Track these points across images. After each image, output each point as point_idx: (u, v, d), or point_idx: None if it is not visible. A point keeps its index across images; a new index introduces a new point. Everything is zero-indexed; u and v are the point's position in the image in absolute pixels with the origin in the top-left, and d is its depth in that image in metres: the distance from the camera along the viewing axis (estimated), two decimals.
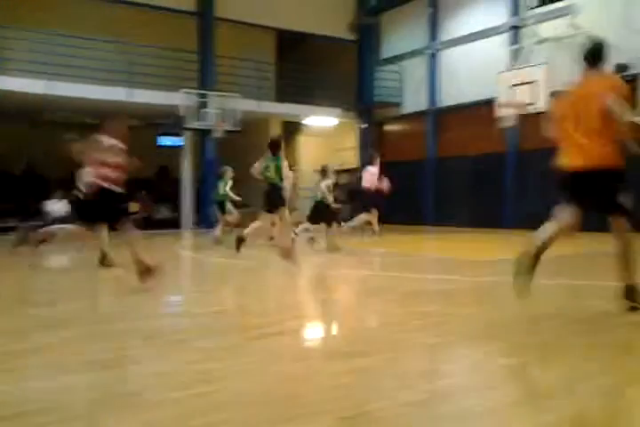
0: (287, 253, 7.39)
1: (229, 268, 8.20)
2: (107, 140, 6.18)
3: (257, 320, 4.36)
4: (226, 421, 2.30)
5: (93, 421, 2.32)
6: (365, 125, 19.81)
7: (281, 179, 8.06)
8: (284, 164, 8.12)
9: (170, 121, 17.47)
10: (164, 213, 18.81)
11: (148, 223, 17.60)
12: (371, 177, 12.38)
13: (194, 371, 2.99)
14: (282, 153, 8.24)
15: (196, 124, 16.41)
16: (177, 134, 18.74)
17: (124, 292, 5.84)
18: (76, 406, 2.49)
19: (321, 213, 9.72)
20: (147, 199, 18.04)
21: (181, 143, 18.12)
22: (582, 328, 3.99)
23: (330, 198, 9.82)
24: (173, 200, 18.38)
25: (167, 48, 15.73)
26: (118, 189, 5.98)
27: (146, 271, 5.69)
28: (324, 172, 10.10)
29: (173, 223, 17.84)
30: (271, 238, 9.92)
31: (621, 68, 12.66)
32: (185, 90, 16.04)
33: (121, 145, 6.23)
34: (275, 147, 8.14)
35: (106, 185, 5.86)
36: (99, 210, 5.98)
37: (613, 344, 3.52)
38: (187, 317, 4.75)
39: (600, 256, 8.68)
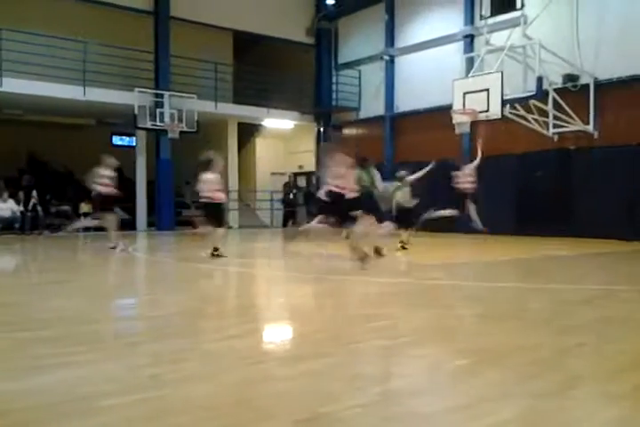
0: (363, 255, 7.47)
1: (186, 270, 8.10)
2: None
3: (211, 324, 4.33)
4: (176, 426, 2.28)
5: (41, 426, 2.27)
6: (325, 129, 19.88)
7: (374, 187, 9.19)
8: (377, 175, 9.37)
9: (124, 121, 17.17)
10: (117, 213, 18.39)
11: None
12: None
13: (143, 375, 2.95)
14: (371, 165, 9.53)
15: (149, 125, 16.17)
16: (131, 134, 18.46)
17: (78, 294, 5.71)
18: (22, 411, 2.42)
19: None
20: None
21: (135, 143, 17.83)
22: (530, 331, 4.10)
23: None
24: (127, 201, 18.03)
25: (123, 47, 15.48)
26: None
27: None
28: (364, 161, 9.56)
29: (127, 224, 17.50)
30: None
31: (570, 78, 13.10)
32: (140, 89, 15.80)
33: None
34: (363, 161, 9.33)
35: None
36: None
37: (563, 346, 3.63)
38: (139, 320, 4.68)
39: (552, 260, 8.96)
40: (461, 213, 11.33)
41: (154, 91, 16.31)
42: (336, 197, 7.38)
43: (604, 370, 3.12)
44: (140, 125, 16.23)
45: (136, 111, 15.81)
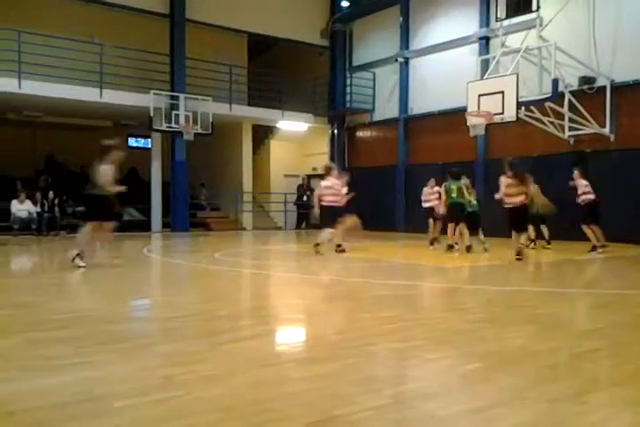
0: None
1: (200, 272, 8.14)
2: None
3: (224, 325, 4.35)
4: None
5: None
6: (340, 132, 19.91)
7: (463, 197, 10.16)
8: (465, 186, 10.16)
9: (139, 122, 17.31)
10: (132, 214, 18.57)
11: (116, 225, 17.39)
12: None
13: (156, 376, 2.96)
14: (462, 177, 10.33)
15: (165, 127, 16.29)
16: (146, 136, 18.60)
17: (93, 295, 5.76)
18: (36, 411, 2.44)
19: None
20: (114, 200, 17.77)
21: (150, 145, 17.96)
22: (544, 335, 4.07)
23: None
24: (142, 202, 18.18)
25: (139, 49, 15.61)
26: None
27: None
28: (454, 174, 10.42)
29: (143, 225, 17.66)
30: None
31: (586, 80, 13.00)
32: (155, 91, 15.92)
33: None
34: (456, 174, 10.36)
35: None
36: None
37: (578, 351, 3.60)
38: (153, 321, 4.71)
39: (568, 264, 8.89)
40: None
41: (169, 93, 16.43)
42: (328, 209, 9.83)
43: (620, 375, 3.10)
44: (155, 127, 16.35)
45: (151, 113, 15.94)
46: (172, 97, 16.40)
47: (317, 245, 9.66)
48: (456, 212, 10.11)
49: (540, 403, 2.60)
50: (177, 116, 16.32)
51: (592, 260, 9.56)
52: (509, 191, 8.85)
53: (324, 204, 9.85)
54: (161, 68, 16.39)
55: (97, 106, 15.72)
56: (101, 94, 15.28)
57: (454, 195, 10.10)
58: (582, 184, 10.37)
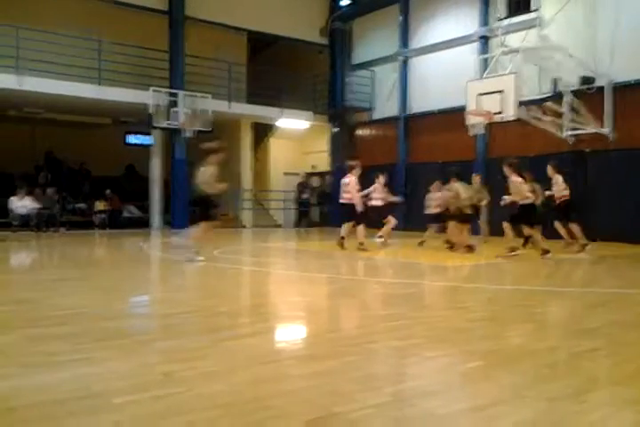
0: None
1: (200, 269, 8.14)
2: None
3: (224, 322, 4.35)
4: (189, 423, 2.29)
5: (52, 423, 2.29)
6: (336, 129, 19.91)
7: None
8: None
9: (138, 120, 17.28)
10: (132, 211, 18.57)
11: (116, 222, 17.40)
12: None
13: (155, 373, 2.97)
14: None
15: (165, 124, 16.26)
16: (146, 133, 18.56)
17: (92, 292, 5.76)
18: (34, 407, 2.44)
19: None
20: (113, 197, 17.81)
21: (150, 142, 17.94)
22: (543, 334, 4.08)
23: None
24: (142, 199, 18.17)
25: (138, 46, 15.58)
26: None
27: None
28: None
29: (142, 222, 17.65)
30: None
31: (586, 80, 13.00)
32: (154, 88, 15.89)
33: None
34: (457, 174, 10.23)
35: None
36: None
37: (577, 349, 3.61)
38: (152, 317, 4.72)
39: (566, 263, 8.90)
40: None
41: (168, 90, 16.40)
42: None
43: (619, 374, 3.10)
44: (155, 125, 16.33)
45: (151, 110, 15.91)
46: (172, 94, 16.37)
47: (361, 244, 10.10)
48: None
49: (540, 401, 2.60)
50: (176, 113, 16.29)
51: (587, 260, 9.57)
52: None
53: (340, 201, 10.47)
54: (160, 65, 16.36)
55: (96, 102, 15.69)
56: (101, 91, 15.24)
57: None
58: (559, 181, 10.15)
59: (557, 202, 10.19)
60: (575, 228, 10.16)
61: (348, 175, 10.46)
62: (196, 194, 8.31)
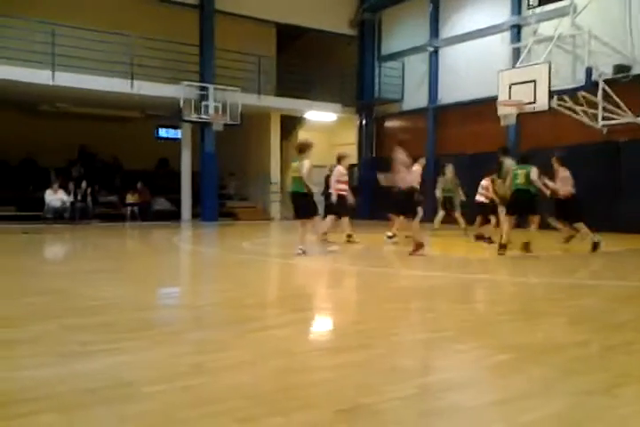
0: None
1: (229, 261, 8.22)
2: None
3: (252, 313, 4.39)
4: (217, 413, 2.32)
5: (84, 411, 2.34)
6: (365, 121, 19.81)
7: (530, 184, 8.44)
8: (533, 171, 8.43)
9: (169, 113, 17.47)
10: (163, 204, 18.83)
11: (147, 214, 17.67)
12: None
13: (184, 363, 3.01)
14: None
15: (195, 117, 16.41)
16: (176, 127, 18.76)
17: (125, 283, 5.86)
18: (68, 395, 2.50)
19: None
20: (144, 190, 18.07)
21: (180, 136, 18.13)
22: (574, 327, 4.02)
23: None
24: (173, 192, 18.41)
25: (169, 41, 15.72)
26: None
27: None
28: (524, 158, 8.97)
29: (173, 215, 17.90)
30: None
31: (621, 69, 12.67)
32: (186, 82, 16.03)
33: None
34: (526, 158, 8.82)
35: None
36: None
37: (609, 343, 3.55)
38: (182, 309, 4.78)
39: (598, 255, 8.73)
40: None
41: (199, 84, 16.53)
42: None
43: None
44: (185, 118, 16.50)
45: (181, 104, 16.07)
46: (202, 88, 16.50)
47: (349, 236, 10.03)
48: (520, 201, 8.50)
49: (571, 395, 2.57)
50: (206, 106, 16.42)
51: (619, 252, 9.37)
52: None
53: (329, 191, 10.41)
54: (191, 59, 16.49)
55: (128, 97, 15.91)
56: (132, 85, 15.45)
57: (519, 181, 8.50)
58: (565, 175, 9.21)
59: (560, 197, 9.18)
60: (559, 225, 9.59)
61: (337, 165, 10.30)
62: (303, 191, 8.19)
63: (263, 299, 5.23)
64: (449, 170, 12.20)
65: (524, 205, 8.46)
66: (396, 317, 4.32)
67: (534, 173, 8.33)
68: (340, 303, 5.09)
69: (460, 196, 12.06)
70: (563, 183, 9.12)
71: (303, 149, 8.29)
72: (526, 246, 8.42)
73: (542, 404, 2.47)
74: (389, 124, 19.80)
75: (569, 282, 6.24)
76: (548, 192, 8.71)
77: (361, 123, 20.09)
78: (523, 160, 8.78)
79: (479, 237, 10.37)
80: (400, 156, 8.44)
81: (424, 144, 17.91)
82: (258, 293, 5.59)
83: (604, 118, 12.83)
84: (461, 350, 3.38)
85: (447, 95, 17.49)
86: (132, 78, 15.45)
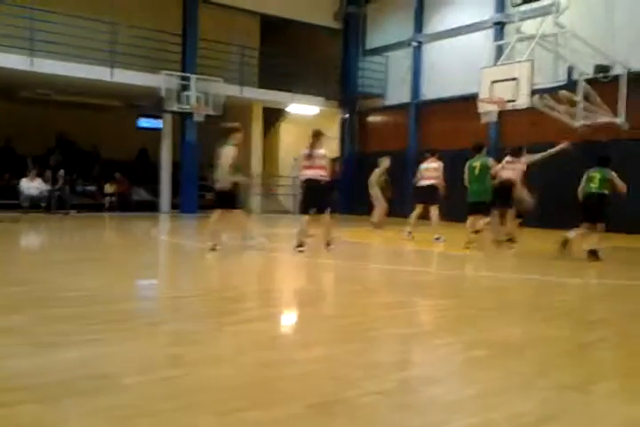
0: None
1: (207, 253, 8.17)
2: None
3: (231, 306, 4.37)
4: (194, 405, 2.31)
5: (60, 402, 2.32)
6: (347, 115, 19.79)
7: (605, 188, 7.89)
8: (612, 175, 7.93)
9: (150, 103, 17.27)
10: (142, 195, 18.65)
11: (126, 205, 17.49)
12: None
13: (162, 355, 2.99)
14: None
15: (176, 107, 16.24)
16: (157, 116, 18.55)
17: (102, 274, 5.80)
18: (45, 386, 2.47)
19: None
20: (123, 180, 17.88)
21: (161, 126, 17.94)
22: (551, 323, 4.07)
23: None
24: (153, 183, 18.23)
25: (151, 29, 15.52)
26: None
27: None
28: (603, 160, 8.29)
29: (152, 206, 17.73)
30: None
31: (601, 69, 12.81)
32: (167, 72, 15.85)
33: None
34: (605, 160, 8.24)
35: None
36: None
37: (585, 340, 3.60)
38: (160, 300, 4.75)
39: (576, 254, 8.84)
40: None
41: (181, 74, 16.35)
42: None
43: (626, 365, 3.09)
44: (166, 108, 16.32)
45: (163, 94, 15.89)
46: (184, 78, 16.33)
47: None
48: (595, 206, 7.86)
49: (546, 391, 2.60)
50: (188, 97, 16.25)
51: (601, 250, 9.51)
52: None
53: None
54: (173, 49, 16.31)
55: (108, 85, 15.68)
56: (113, 73, 15.23)
57: (594, 184, 7.92)
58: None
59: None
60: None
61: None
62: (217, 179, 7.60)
63: (243, 292, 5.22)
64: (382, 164, 12.45)
65: (595, 211, 7.83)
66: (375, 311, 4.33)
67: (614, 176, 7.88)
68: (318, 297, 5.09)
69: (381, 191, 12.34)
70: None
71: (227, 132, 7.67)
72: (592, 254, 7.75)
73: (519, 399, 2.50)
74: (372, 118, 19.81)
75: (547, 279, 6.31)
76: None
77: (344, 117, 20.07)
78: (601, 162, 8.16)
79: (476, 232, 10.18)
80: (320, 150, 7.80)
81: (406, 140, 17.97)
82: (237, 286, 5.57)
83: (584, 118, 12.97)
84: (439, 344, 3.41)
85: (430, 91, 17.54)
86: (113, 66, 15.22)
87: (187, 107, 16.28)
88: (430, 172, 10.35)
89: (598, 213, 7.86)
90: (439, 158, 10.58)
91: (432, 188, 10.24)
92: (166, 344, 3.22)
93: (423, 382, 2.73)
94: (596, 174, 7.96)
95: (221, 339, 3.36)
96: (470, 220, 8.84)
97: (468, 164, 9.16)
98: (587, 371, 2.94)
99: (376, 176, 12.52)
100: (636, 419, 2.34)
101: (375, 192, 12.47)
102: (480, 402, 2.47)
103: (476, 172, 8.90)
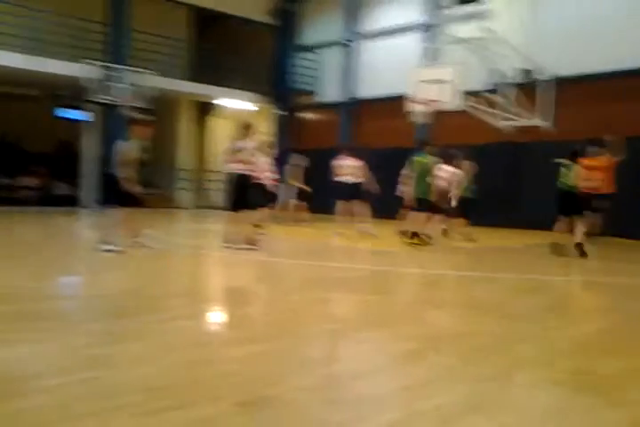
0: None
1: (133, 251, 7.90)
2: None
3: (157, 304, 4.23)
4: (115, 407, 2.21)
5: None
6: (281, 112, 19.71)
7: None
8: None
9: (72, 93, 16.53)
10: (63, 189, 17.85)
11: (45, 199, 16.71)
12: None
13: (83, 355, 2.85)
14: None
15: (99, 98, 15.61)
16: (79, 107, 17.78)
17: (20, 271, 5.49)
18: None
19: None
20: (42, 173, 17.07)
21: (83, 117, 17.22)
22: (474, 317, 4.18)
23: None
24: (74, 176, 17.47)
25: (76, 17, 14.84)
26: None
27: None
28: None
29: (73, 201, 17.00)
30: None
31: (526, 73, 13.32)
32: (89, 61, 15.22)
33: None
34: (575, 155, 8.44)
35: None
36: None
37: (507, 333, 3.71)
38: (82, 299, 4.55)
39: (498, 250, 9.16)
40: None
41: (103, 63, 15.71)
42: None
43: (545, 357, 3.21)
44: (89, 99, 15.67)
45: (84, 84, 15.25)
46: (110, 68, 15.73)
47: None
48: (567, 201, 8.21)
49: (471, 381, 2.66)
50: (113, 88, 15.68)
51: (523, 248, 9.90)
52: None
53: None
54: (100, 38, 15.68)
55: (25, 73, 14.90)
56: (29, 61, 14.44)
57: (562, 179, 8.36)
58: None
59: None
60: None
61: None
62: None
63: (168, 290, 5.07)
64: (292, 161, 12.77)
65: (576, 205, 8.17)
66: (304, 308, 4.31)
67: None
68: (247, 295, 5.03)
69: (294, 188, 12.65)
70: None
71: (127, 125, 7.26)
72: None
73: (444, 390, 2.55)
74: (306, 116, 19.81)
75: (471, 275, 6.50)
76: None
77: (279, 114, 19.96)
78: (572, 157, 8.44)
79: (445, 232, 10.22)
80: (249, 143, 7.63)
81: (338, 137, 18.07)
82: (163, 283, 5.41)
83: (509, 120, 13.44)
84: (366, 339, 3.43)
85: (364, 90, 17.71)
86: (30, 54, 14.44)
87: (111, 98, 15.70)
88: (346, 169, 10.41)
89: (576, 206, 8.18)
90: (356, 156, 10.65)
91: (352, 185, 10.36)
92: (87, 344, 3.07)
93: (350, 377, 2.73)
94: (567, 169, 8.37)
95: (146, 337, 3.24)
96: (412, 215, 8.92)
97: (412, 160, 9.33)
98: (508, 363, 3.03)
99: (287, 173, 12.66)
100: (553, 407, 2.43)
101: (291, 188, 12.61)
102: (406, 395, 2.51)
103: (419, 169, 9.07)
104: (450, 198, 9.47)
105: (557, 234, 8.46)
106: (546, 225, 12.33)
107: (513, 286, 5.82)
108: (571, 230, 8.33)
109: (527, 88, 13.19)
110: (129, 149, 6.91)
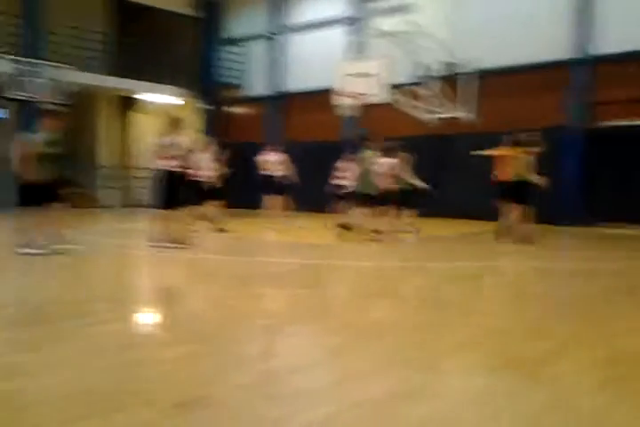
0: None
1: (53, 253, 7.53)
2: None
3: (78, 309, 4.02)
4: (37, 416, 2.08)
5: None
6: (209, 106, 19.36)
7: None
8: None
9: None
10: None
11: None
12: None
13: None
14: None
15: (11, 94, 14.79)
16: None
17: None
18: None
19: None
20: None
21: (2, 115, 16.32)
22: (407, 307, 4.23)
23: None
24: None
25: None
26: None
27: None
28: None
29: None
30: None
31: (450, 66, 13.62)
32: (3, 55, 14.40)
33: None
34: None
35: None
36: None
37: (435, 321, 3.76)
38: (2, 306, 4.27)
39: (429, 240, 9.34)
40: None
41: (21, 58, 14.91)
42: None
43: (476, 343, 3.28)
44: (2, 95, 14.83)
45: None
46: (23, 62, 14.93)
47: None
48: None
49: (405, 371, 2.69)
50: (30, 83, 14.90)
51: (458, 236, 10.15)
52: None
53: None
54: (12, 31, 14.84)
55: None
56: None
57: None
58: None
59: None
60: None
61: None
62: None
63: (92, 293, 4.85)
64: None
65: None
66: (235, 305, 4.23)
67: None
68: (177, 294, 4.88)
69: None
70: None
71: (47, 116, 6.97)
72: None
73: (379, 380, 2.55)
74: (234, 109, 19.55)
75: (401, 265, 6.58)
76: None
77: (206, 108, 19.59)
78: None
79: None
80: (177, 138, 7.44)
81: (266, 131, 17.93)
82: (86, 286, 5.18)
83: (435, 112, 13.72)
84: (302, 333, 3.41)
85: (291, 83, 17.64)
86: None
87: (28, 94, 14.92)
88: (269, 164, 10.53)
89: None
90: (278, 150, 10.76)
91: (278, 179, 10.48)
92: (3, 353, 2.88)
93: (286, 372, 2.69)
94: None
95: (68, 343, 3.08)
96: (357, 210, 8.97)
97: (358, 155, 9.39)
98: (440, 350, 3.08)
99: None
100: (484, 391, 2.48)
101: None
102: (341, 387, 2.50)
103: (363, 164, 9.10)
104: (390, 190, 9.49)
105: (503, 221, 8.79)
106: (474, 214, 12.77)
107: (443, 274, 5.93)
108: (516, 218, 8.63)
109: (451, 81, 13.50)
110: (32, 141, 6.52)
